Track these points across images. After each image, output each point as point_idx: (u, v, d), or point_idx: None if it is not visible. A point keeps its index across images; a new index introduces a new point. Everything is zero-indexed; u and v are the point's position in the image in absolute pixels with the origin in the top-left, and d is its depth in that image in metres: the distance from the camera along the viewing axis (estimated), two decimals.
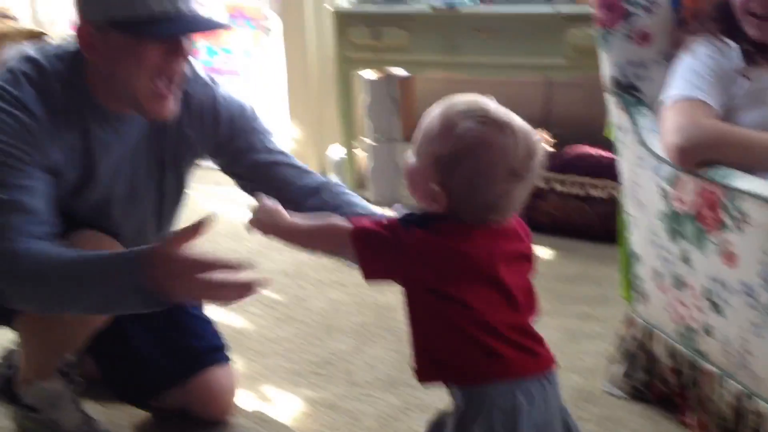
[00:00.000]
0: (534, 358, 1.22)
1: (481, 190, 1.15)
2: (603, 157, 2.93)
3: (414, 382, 1.98)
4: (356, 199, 1.71)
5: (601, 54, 1.85)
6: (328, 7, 3.45)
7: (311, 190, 1.70)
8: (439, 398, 1.90)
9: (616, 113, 1.84)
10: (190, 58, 1.58)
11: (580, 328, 2.25)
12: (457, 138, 1.14)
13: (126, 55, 1.48)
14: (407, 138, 3.33)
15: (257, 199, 1.30)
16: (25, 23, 4.15)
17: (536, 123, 3.36)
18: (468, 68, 3.02)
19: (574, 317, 2.31)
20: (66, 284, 1.40)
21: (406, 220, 1.18)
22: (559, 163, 2.94)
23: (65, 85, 1.55)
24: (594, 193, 2.83)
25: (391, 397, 1.94)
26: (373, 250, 1.16)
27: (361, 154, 3.40)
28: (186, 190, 1.82)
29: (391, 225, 1.17)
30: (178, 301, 1.39)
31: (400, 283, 1.20)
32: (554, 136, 3.12)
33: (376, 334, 2.24)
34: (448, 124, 1.15)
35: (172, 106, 1.56)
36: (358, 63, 3.18)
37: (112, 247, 1.62)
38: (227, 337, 1.95)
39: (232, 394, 1.89)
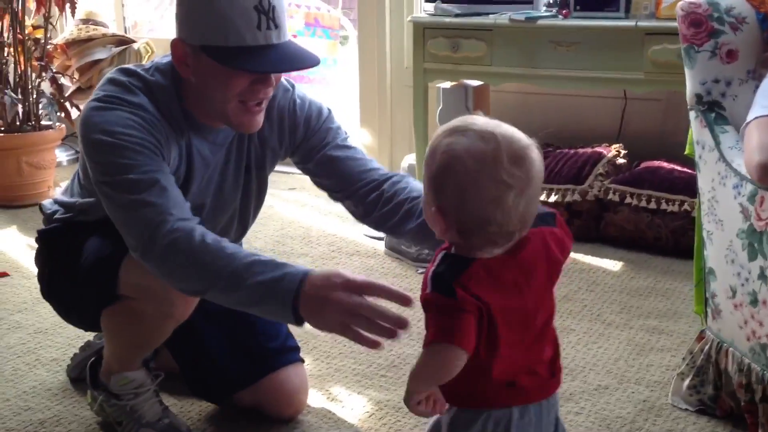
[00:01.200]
0: (538, 390, 1.22)
1: (471, 202, 1.13)
2: (676, 171, 2.91)
3: None
4: (414, 187, 1.71)
5: (685, 70, 1.85)
6: (407, 18, 3.50)
7: (374, 185, 1.73)
8: None
9: (698, 130, 1.83)
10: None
11: (648, 341, 2.24)
12: (440, 155, 1.14)
13: (215, 79, 1.55)
14: None
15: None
16: (113, 29, 4.29)
17: (612, 137, 3.38)
18: (545, 81, 3.03)
19: (643, 331, 2.30)
20: (226, 284, 1.45)
21: (442, 280, 1.14)
22: (631, 177, 2.93)
23: (166, 95, 1.63)
24: (666, 207, 2.81)
25: None
26: (443, 316, 1.14)
27: None
28: (267, 188, 1.88)
29: (442, 301, 1.13)
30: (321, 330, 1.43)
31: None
32: (629, 151, 3.13)
33: None
34: (434, 145, 1.16)
35: (259, 121, 1.63)
36: (436, 73, 3.22)
37: None
38: (297, 338, 2.00)
39: (304, 393, 1.93)
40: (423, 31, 3.16)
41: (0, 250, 3.05)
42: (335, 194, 1.81)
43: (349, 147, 1.80)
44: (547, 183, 3.00)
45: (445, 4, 3.16)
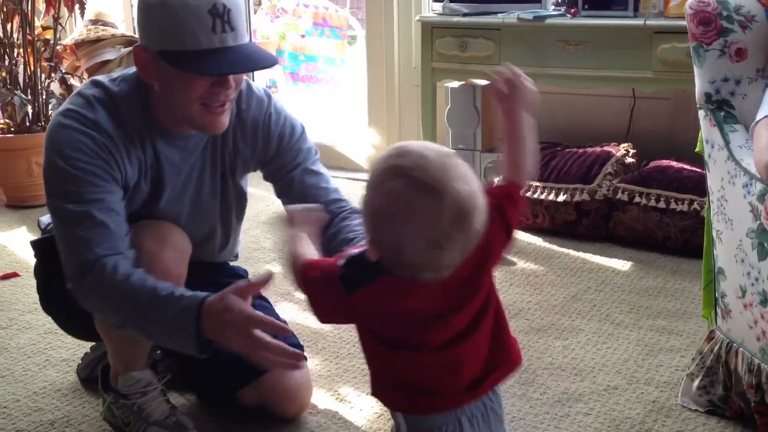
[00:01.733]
0: (476, 389, 1.23)
1: (404, 253, 1.10)
2: (686, 170, 2.90)
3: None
4: (353, 230, 1.73)
5: (694, 69, 1.84)
6: (415, 17, 3.50)
7: (329, 220, 1.75)
8: (511, 404, 1.93)
9: (707, 129, 1.83)
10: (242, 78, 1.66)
11: (658, 341, 2.23)
12: (381, 196, 1.10)
13: (176, 83, 1.59)
14: (487, 147, 3.35)
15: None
16: (122, 30, 4.30)
17: (620, 136, 3.37)
18: (554, 80, 3.03)
19: (652, 331, 2.29)
20: (133, 313, 1.55)
21: (353, 279, 1.16)
22: (640, 176, 2.92)
23: (131, 106, 1.67)
24: (675, 206, 2.80)
25: None
26: (319, 302, 1.21)
27: None
28: (246, 195, 1.91)
29: (334, 281, 1.17)
30: (228, 349, 1.50)
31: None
32: (637, 149, 3.12)
33: None
34: (382, 178, 1.10)
35: (224, 122, 1.65)
36: (444, 73, 3.22)
37: (171, 233, 1.72)
38: (305, 338, 2.00)
39: (307, 391, 1.93)
40: (431, 31, 3.16)
41: (10, 251, 3.06)
42: None
43: (316, 173, 1.83)
44: (556, 182, 3.00)
45: (453, 4, 3.16)
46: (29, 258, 2.93)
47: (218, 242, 1.92)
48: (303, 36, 6.14)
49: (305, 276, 1.22)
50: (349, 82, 6.23)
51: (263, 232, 3.19)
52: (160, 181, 1.73)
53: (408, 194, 1.07)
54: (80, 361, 2.13)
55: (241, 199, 1.90)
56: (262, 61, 1.62)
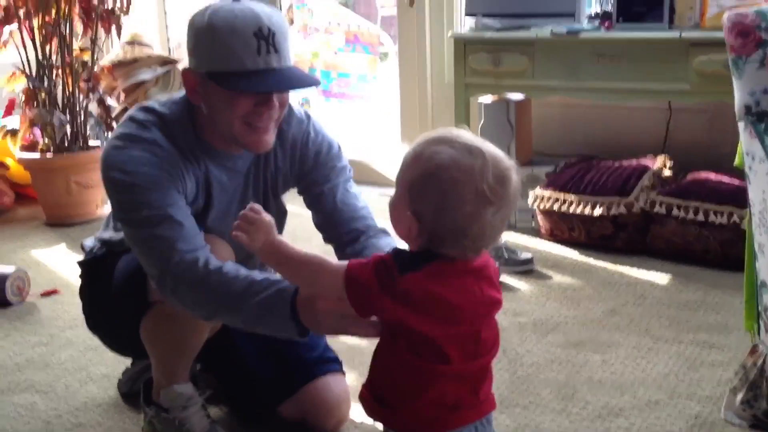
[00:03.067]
0: (476, 409, 1.24)
1: (450, 212, 1.14)
2: (724, 182, 2.87)
3: (526, 402, 2.01)
4: (386, 244, 1.76)
5: (733, 81, 1.83)
6: (447, 33, 3.51)
7: (353, 236, 1.79)
8: (550, 419, 1.91)
9: (747, 141, 1.81)
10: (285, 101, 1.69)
11: (699, 355, 2.20)
12: (425, 161, 1.16)
13: (221, 102, 1.62)
14: (522, 161, 3.34)
15: (252, 209, 1.37)
16: (158, 50, 4.36)
17: (657, 148, 3.35)
18: (589, 93, 3.02)
19: (693, 345, 2.26)
20: (227, 301, 1.56)
21: (400, 261, 1.19)
22: (678, 189, 2.89)
23: (183, 127, 1.71)
24: (714, 219, 2.76)
25: (504, 417, 1.95)
26: (362, 296, 1.21)
27: None
28: (286, 213, 1.93)
29: (385, 268, 1.19)
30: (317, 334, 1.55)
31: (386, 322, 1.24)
32: (674, 162, 3.09)
33: None
34: (419, 151, 1.18)
35: (269, 139, 1.68)
36: (477, 88, 3.23)
37: (216, 242, 1.72)
38: (342, 353, 2.00)
39: (346, 403, 1.93)
40: (464, 47, 3.16)
41: (50, 269, 3.10)
42: (322, 233, 1.87)
43: (347, 190, 1.85)
44: (592, 195, 2.98)
45: (487, 19, 3.16)
46: (69, 275, 2.98)
47: (258, 260, 1.93)
48: (335, 53, 6.18)
49: (350, 268, 1.22)
50: (381, 98, 6.25)
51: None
52: (209, 200, 1.76)
53: (453, 153, 1.14)
54: (121, 376, 2.15)
55: (282, 216, 1.92)
56: (304, 80, 1.67)
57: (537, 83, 3.06)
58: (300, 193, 1.90)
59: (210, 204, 1.77)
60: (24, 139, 3.61)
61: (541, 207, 3.11)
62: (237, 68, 1.58)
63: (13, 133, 3.58)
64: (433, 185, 1.14)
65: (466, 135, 1.18)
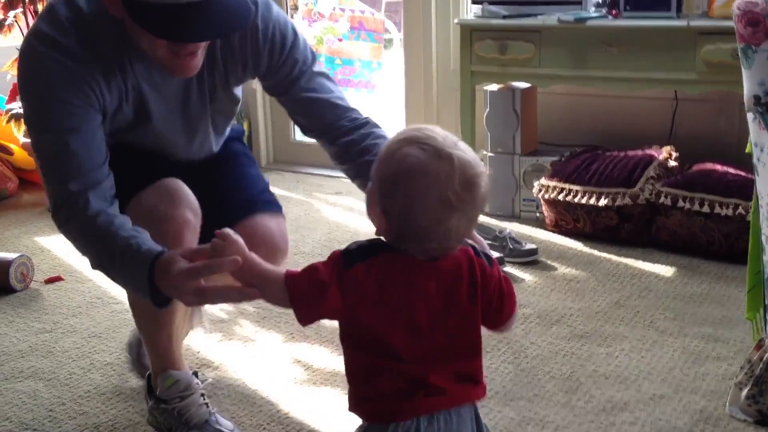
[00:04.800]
0: (442, 397, 1.22)
1: (415, 216, 1.15)
2: (730, 174, 2.85)
3: (530, 395, 2.01)
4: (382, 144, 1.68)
5: (743, 71, 1.81)
6: (453, 20, 3.49)
7: (345, 130, 1.72)
8: (555, 412, 1.91)
9: (756, 132, 1.79)
10: None
11: (704, 349, 2.20)
12: (396, 162, 1.16)
13: (139, 31, 1.49)
14: (527, 150, 3.33)
15: (222, 234, 1.29)
16: None
17: (662, 139, 3.32)
18: (596, 82, 3.00)
19: (698, 338, 2.26)
20: (99, 261, 1.54)
21: (353, 253, 1.20)
22: (683, 180, 2.88)
23: (105, 28, 1.56)
24: (720, 211, 2.75)
25: (508, 410, 1.94)
26: (303, 305, 1.21)
27: None
28: (239, 99, 1.83)
29: (334, 264, 1.20)
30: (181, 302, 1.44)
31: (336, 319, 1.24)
32: (680, 153, 3.07)
33: (492, 346, 2.25)
34: (393, 149, 1.18)
35: (197, 64, 1.56)
36: (483, 76, 3.21)
37: (175, 190, 1.70)
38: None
39: (282, 239, 1.85)
40: (470, 34, 3.14)
41: (54, 254, 3.10)
42: (308, 132, 1.80)
43: (319, 83, 1.74)
44: (597, 186, 2.96)
45: (493, 6, 3.14)
46: (73, 262, 2.98)
47: (212, 142, 1.88)
48: (340, 40, 6.15)
49: (293, 274, 1.23)
50: (385, 86, 6.22)
51: (302, 236, 3.19)
52: (144, 103, 1.66)
53: (422, 157, 1.14)
54: (130, 337, 2.13)
55: (234, 103, 1.83)
56: (231, 23, 1.49)
57: (543, 71, 3.04)
58: (266, 91, 1.81)
59: (146, 108, 1.67)
60: None
61: (546, 197, 3.10)
62: (153, 0, 1.41)
63: (18, 117, 3.57)
64: (400, 188, 1.16)
65: (440, 135, 1.18)
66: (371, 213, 1.22)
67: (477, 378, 1.26)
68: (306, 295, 1.22)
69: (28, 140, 3.61)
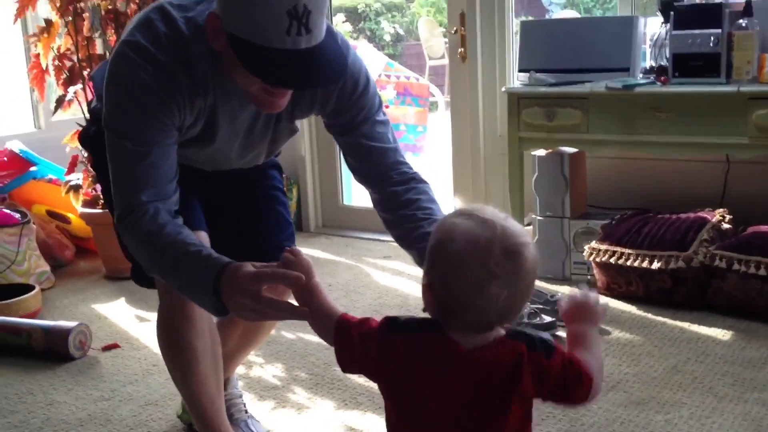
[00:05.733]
0: None
1: (455, 282, 1.16)
2: None
3: None
4: (427, 203, 1.72)
5: None
6: (500, 88, 3.54)
7: (394, 181, 1.76)
8: None
9: None
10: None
11: (765, 415, 2.15)
12: (439, 232, 1.20)
13: (238, 67, 1.53)
14: (576, 214, 3.33)
15: (293, 251, 1.38)
16: None
17: (714, 201, 3.30)
18: (645, 147, 3.01)
19: (759, 404, 2.21)
20: (161, 266, 1.57)
21: (399, 323, 1.23)
22: (738, 243, 2.85)
23: (199, 54, 1.61)
24: None
25: None
26: (346, 351, 1.25)
27: (527, 229, 3.42)
28: (297, 129, 1.89)
29: (371, 330, 1.24)
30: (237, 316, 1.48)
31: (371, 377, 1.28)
32: (733, 215, 3.05)
33: (546, 414, 2.22)
34: (443, 222, 1.22)
35: (283, 103, 1.62)
36: (531, 142, 3.23)
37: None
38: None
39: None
40: (517, 101, 3.18)
41: (111, 322, 3.16)
42: (357, 176, 1.84)
43: (379, 133, 1.78)
44: (650, 249, 2.95)
45: (540, 74, 3.18)
46: (129, 329, 3.03)
47: (260, 161, 1.95)
48: (387, 106, 6.25)
49: (347, 318, 1.27)
50: (431, 149, 6.29)
51: (352, 301, 3.21)
52: (215, 127, 1.71)
53: (465, 224, 1.17)
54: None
55: (292, 134, 1.88)
56: (329, 76, 1.55)
57: (591, 137, 3.06)
58: (327, 128, 1.85)
59: (214, 132, 1.71)
60: (86, 194, 3.71)
61: (597, 260, 3.09)
62: (260, 43, 1.46)
63: (76, 188, 3.68)
64: (442, 256, 1.18)
65: (489, 210, 1.20)
66: (423, 288, 1.23)
67: None
68: (350, 344, 1.25)
69: (86, 210, 3.75)
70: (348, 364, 1.27)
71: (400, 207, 1.72)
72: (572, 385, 1.24)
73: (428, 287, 1.20)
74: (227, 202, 1.99)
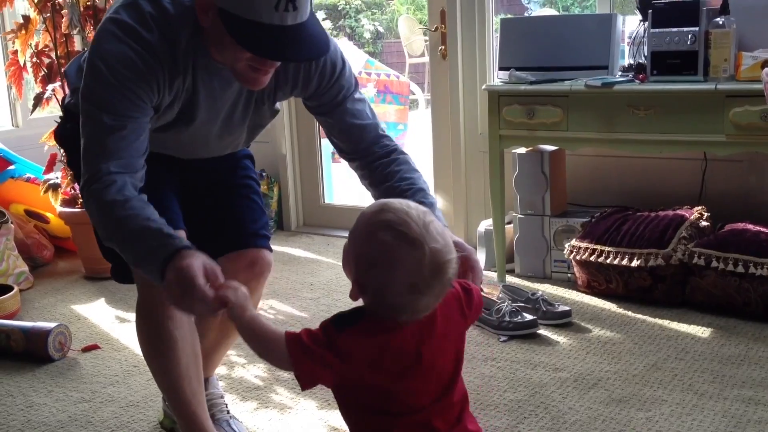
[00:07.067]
0: None
1: (387, 297, 1.27)
2: (763, 233, 2.84)
3: None
4: (409, 174, 1.78)
5: None
6: (480, 86, 3.54)
7: (377, 156, 1.82)
8: None
9: None
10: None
11: (745, 412, 2.17)
12: (373, 246, 1.27)
13: (228, 42, 1.58)
14: (556, 212, 3.34)
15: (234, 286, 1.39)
16: None
17: (692, 199, 3.31)
18: (624, 145, 3.02)
19: (738, 401, 2.23)
20: (118, 237, 1.57)
21: (339, 322, 1.30)
22: (716, 240, 2.87)
23: (185, 31, 1.65)
24: (755, 271, 2.74)
25: None
26: (307, 356, 1.29)
27: (508, 228, 3.43)
28: (278, 111, 1.93)
29: (324, 330, 1.30)
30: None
31: (330, 385, 1.33)
32: (711, 213, 3.08)
33: (529, 412, 2.24)
34: (372, 230, 1.28)
35: (264, 81, 1.67)
36: (511, 140, 3.24)
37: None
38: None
39: (269, 272, 2.08)
40: (498, 99, 3.19)
41: (90, 322, 3.13)
42: (342, 155, 1.89)
43: (359, 110, 1.84)
44: (629, 247, 2.97)
45: (520, 72, 3.19)
46: (109, 330, 3.01)
47: (237, 147, 2.01)
48: (373, 99, 6.25)
49: (289, 340, 1.30)
50: (412, 147, 6.30)
51: (334, 300, 3.21)
52: (194, 108, 1.74)
53: (394, 245, 1.25)
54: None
55: (273, 115, 1.93)
56: (313, 50, 1.61)
57: (571, 135, 3.07)
58: (307, 109, 1.90)
59: (194, 111, 1.75)
60: (65, 194, 3.68)
61: (577, 258, 3.10)
62: (250, 17, 1.52)
63: (55, 187, 3.65)
64: (375, 272, 1.26)
65: (413, 219, 1.26)
66: (346, 270, 1.33)
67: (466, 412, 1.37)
68: (305, 348, 1.29)
69: (65, 209, 3.72)
70: (309, 372, 1.30)
71: (384, 180, 1.79)
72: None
73: (356, 284, 1.30)
74: (202, 192, 2.02)
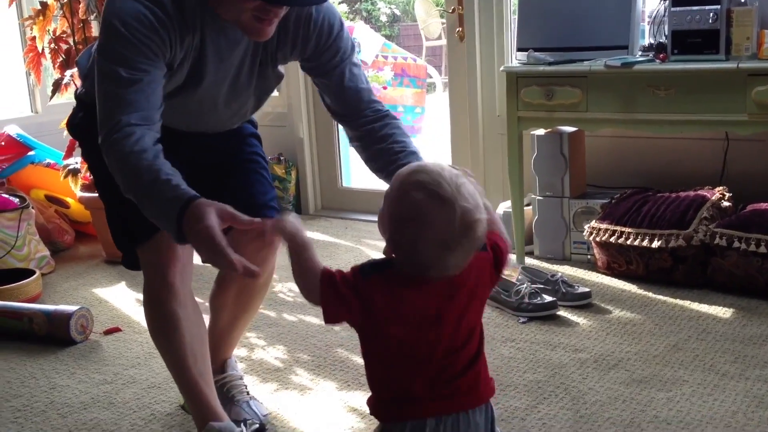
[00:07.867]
0: (451, 401, 1.37)
1: (418, 253, 1.32)
2: None
3: None
4: (400, 137, 1.82)
5: None
6: (498, 67, 3.52)
7: (369, 119, 1.86)
8: None
9: None
10: None
11: (767, 393, 2.16)
12: (406, 205, 1.32)
13: None
14: (576, 193, 3.33)
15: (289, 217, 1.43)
16: None
17: (713, 180, 3.29)
18: (644, 125, 3.00)
19: (760, 381, 2.22)
20: (136, 188, 1.60)
21: (368, 268, 1.36)
22: (738, 220, 2.85)
23: None
24: None
25: None
26: (333, 294, 1.35)
27: (527, 209, 3.42)
28: (282, 76, 1.98)
29: (353, 275, 1.36)
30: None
31: (354, 325, 1.38)
32: (733, 193, 3.05)
33: (549, 392, 2.24)
34: (405, 190, 1.33)
35: (270, 32, 1.70)
36: (530, 121, 3.22)
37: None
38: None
39: (276, 247, 2.03)
40: (516, 80, 3.17)
41: (112, 306, 3.16)
42: (335, 116, 1.94)
43: (355, 74, 1.89)
44: (650, 228, 2.95)
45: (538, 53, 3.16)
46: (130, 313, 3.03)
47: (244, 117, 2.05)
48: (384, 87, 6.23)
49: (324, 276, 1.36)
50: (429, 130, 6.28)
51: None
52: (202, 67, 1.78)
53: (427, 203, 1.30)
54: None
55: (279, 80, 1.98)
56: None
57: (590, 116, 3.05)
58: (304, 70, 1.94)
59: (203, 72, 1.79)
60: (84, 179, 3.70)
61: (597, 239, 3.09)
62: None
63: (75, 173, 3.67)
64: (408, 230, 1.31)
65: (446, 179, 1.31)
66: (381, 230, 1.37)
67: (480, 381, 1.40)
68: (335, 288, 1.35)
69: (85, 194, 3.74)
70: (334, 310, 1.36)
71: (377, 142, 1.83)
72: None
73: (390, 243, 1.35)
74: (211, 169, 2.03)
